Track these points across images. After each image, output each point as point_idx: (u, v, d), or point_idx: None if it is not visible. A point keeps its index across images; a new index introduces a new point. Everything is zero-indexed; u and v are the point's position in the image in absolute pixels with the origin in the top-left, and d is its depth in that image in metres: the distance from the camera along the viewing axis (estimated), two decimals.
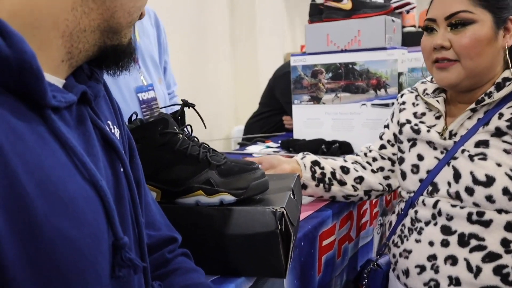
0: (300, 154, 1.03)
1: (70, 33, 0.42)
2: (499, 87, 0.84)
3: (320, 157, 1.06)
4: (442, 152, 0.88)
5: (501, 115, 0.82)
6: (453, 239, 0.83)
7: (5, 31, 0.34)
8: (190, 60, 2.66)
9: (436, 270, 0.84)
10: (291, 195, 0.72)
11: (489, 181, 0.79)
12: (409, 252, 0.90)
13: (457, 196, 0.83)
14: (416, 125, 0.94)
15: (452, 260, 0.82)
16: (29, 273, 0.33)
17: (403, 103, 1.01)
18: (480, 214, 0.80)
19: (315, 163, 1.00)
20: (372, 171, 1.03)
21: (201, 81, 2.79)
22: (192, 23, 2.71)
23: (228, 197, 0.66)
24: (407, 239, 0.91)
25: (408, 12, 1.96)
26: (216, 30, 2.95)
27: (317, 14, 1.54)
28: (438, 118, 0.93)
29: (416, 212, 0.90)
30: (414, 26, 2.09)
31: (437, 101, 0.93)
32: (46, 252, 0.33)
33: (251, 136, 1.99)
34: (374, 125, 1.45)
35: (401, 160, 0.96)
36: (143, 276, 0.48)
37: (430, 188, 0.88)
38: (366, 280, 1.02)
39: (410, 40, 1.86)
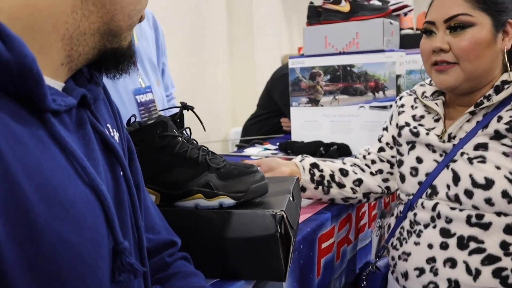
0: (299, 157, 1.03)
1: (70, 36, 0.42)
2: (497, 90, 0.84)
3: (319, 159, 1.06)
4: (441, 155, 0.88)
5: (500, 118, 0.82)
6: (452, 241, 0.83)
7: (5, 35, 0.34)
8: (188, 61, 2.66)
9: (435, 272, 0.84)
10: (291, 198, 0.72)
11: (488, 184, 0.79)
12: (408, 254, 0.89)
13: (456, 199, 0.83)
14: (415, 128, 0.94)
15: (451, 262, 0.82)
16: (29, 278, 0.32)
17: (402, 105, 1.01)
18: (479, 216, 0.80)
19: (314, 165, 1.00)
20: (371, 173, 1.03)
21: (199, 82, 2.79)
22: (190, 25, 2.71)
23: (227, 200, 0.66)
24: (406, 242, 0.91)
25: (405, 14, 1.96)
26: (214, 32, 2.95)
27: (315, 16, 1.55)
28: (437, 121, 0.93)
29: (415, 214, 0.90)
30: (411, 28, 2.10)
31: (436, 104, 0.93)
32: (46, 256, 0.33)
33: (248, 138, 1.99)
34: (372, 127, 1.45)
35: (400, 163, 0.96)
36: (143, 281, 0.48)
37: (429, 191, 0.88)
38: (365, 283, 1.02)
39: (407, 42, 1.87)
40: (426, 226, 0.87)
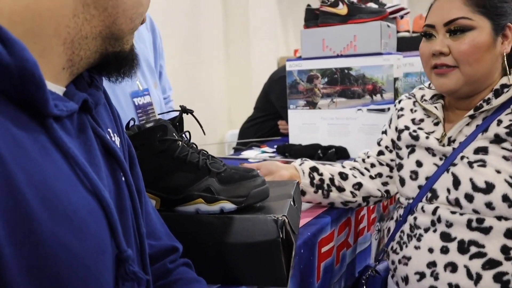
0: (298, 160, 1.03)
1: (72, 40, 0.41)
2: (497, 93, 0.84)
3: (318, 162, 1.05)
4: (441, 159, 0.88)
5: (500, 122, 0.82)
6: (453, 246, 0.83)
7: (6, 39, 0.33)
8: (184, 64, 2.66)
9: (436, 277, 0.84)
10: (292, 203, 0.72)
11: (489, 188, 0.79)
12: (409, 259, 0.89)
13: (457, 203, 0.83)
14: (414, 131, 0.94)
15: (452, 267, 0.82)
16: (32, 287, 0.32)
17: (401, 109, 1.01)
18: (480, 221, 0.80)
19: (313, 169, 1.00)
20: (371, 177, 1.03)
21: (195, 85, 2.78)
22: (186, 27, 2.71)
23: (228, 205, 0.65)
24: (406, 246, 0.91)
25: (402, 17, 1.97)
26: (210, 34, 2.95)
27: (313, 19, 1.55)
28: (436, 124, 0.93)
29: (415, 218, 0.90)
30: (408, 31, 2.11)
31: (435, 107, 0.93)
32: (50, 266, 0.32)
33: (245, 140, 1.99)
34: (370, 130, 1.45)
35: (400, 167, 0.96)
36: None
37: (429, 194, 0.88)
38: (364, 287, 1.02)
39: (404, 45, 1.87)
40: (426, 230, 0.87)
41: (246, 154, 1.63)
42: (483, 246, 0.80)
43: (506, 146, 0.80)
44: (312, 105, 1.54)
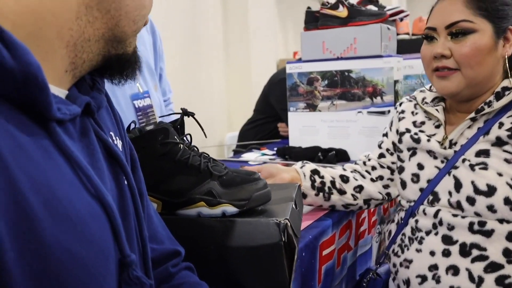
0: (299, 163, 1.02)
1: (75, 43, 0.41)
2: (498, 96, 0.84)
3: (319, 165, 1.05)
4: (442, 161, 0.88)
5: (501, 125, 0.82)
6: (455, 249, 0.82)
7: (10, 42, 0.33)
8: (183, 66, 2.65)
9: (437, 280, 0.83)
10: (294, 206, 0.71)
11: (491, 190, 0.79)
12: (410, 262, 0.89)
13: (458, 206, 0.83)
14: (416, 134, 0.93)
15: (454, 270, 0.82)
16: None
17: (402, 111, 1.00)
18: (482, 224, 0.80)
19: (314, 172, 0.99)
20: (372, 180, 1.03)
21: (194, 87, 2.78)
22: (185, 29, 2.71)
23: (230, 208, 0.65)
24: (408, 249, 0.90)
25: (401, 20, 1.97)
26: (209, 36, 2.95)
27: (313, 21, 1.55)
28: (437, 127, 0.92)
29: (416, 221, 0.89)
30: (407, 33, 2.11)
31: (437, 110, 0.93)
32: (54, 272, 0.32)
33: (245, 143, 1.98)
34: (370, 133, 1.45)
35: (401, 169, 0.96)
36: None
37: (430, 197, 0.88)
38: None
39: (404, 47, 1.88)
40: (428, 233, 0.87)
41: (246, 156, 1.62)
42: (485, 249, 0.80)
43: (508, 149, 0.80)
44: (312, 107, 1.54)
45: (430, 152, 0.90)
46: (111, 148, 0.45)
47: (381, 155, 1.04)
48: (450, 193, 0.84)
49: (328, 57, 1.49)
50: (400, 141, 0.98)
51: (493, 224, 0.79)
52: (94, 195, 0.38)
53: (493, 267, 0.79)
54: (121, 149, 0.50)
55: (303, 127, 1.57)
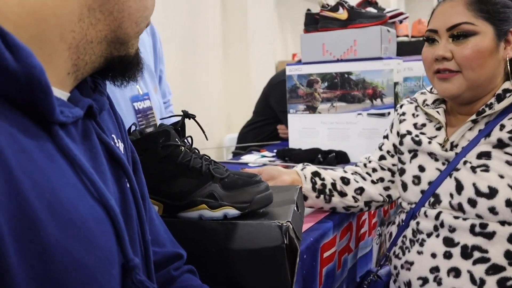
0: (300, 165, 1.02)
1: (77, 45, 0.41)
2: (499, 98, 0.84)
3: (319, 167, 1.05)
4: (443, 164, 0.88)
5: (502, 127, 0.82)
6: (456, 251, 0.82)
7: (13, 45, 0.32)
8: (182, 68, 2.65)
9: (439, 282, 0.83)
10: (295, 208, 0.71)
11: (492, 192, 0.79)
12: (411, 264, 0.89)
13: (460, 208, 0.83)
14: (417, 136, 0.93)
15: (455, 272, 0.82)
16: None
17: (403, 113, 1.00)
18: (483, 226, 0.80)
19: (315, 174, 0.99)
20: (372, 182, 1.02)
21: (193, 89, 2.78)
22: (184, 31, 2.71)
23: (232, 211, 0.65)
24: (409, 251, 0.90)
25: (401, 22, 1.97)
26: (208, 38, 2.95)
27: (313, 23, 1.55)
28: (438, 129, 0.92)
29: (418, 223, 0.89)
30: (407, 36, 2.12)
31: (438, 112, 0.93)
32: (57, 277, 0.32)
33: (245, 145, 1.98)
34: (370, 135, 1.45)
35: (402, 171, 0.96)
36: None
37: (432, 199, 0.88)
38: None
39: (403, 49, 1.88)
40: (429, 235, 0.87)
41: (245, 158, 1.62)
42: (486, 251, 0.80)
43: (509, 151, 0.80)
44: (312, 109, 1.54)
45: (431, 154, 0.90)
46: (114, 151, 0.45)
47: (382, 157, 1.04)
48: (451, 195, 0.84)
49: (328, 59, 1.49)
50: (401, 143, 0.98)
51: (494, 226, 0.79)
52: (98, 199, 0.37)
53: (494, 269, 0.79)
54: (123, 152, 0.50)
55: (303, 129, 1.57)
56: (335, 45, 1.48)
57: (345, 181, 1.01)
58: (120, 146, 0.50)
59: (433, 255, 0.85)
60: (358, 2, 1.76)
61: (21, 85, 0.33)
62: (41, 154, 0.34)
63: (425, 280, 0.85)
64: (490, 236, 0.80)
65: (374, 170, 1.03)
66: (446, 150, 0.88)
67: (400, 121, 1.00)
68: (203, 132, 0.76)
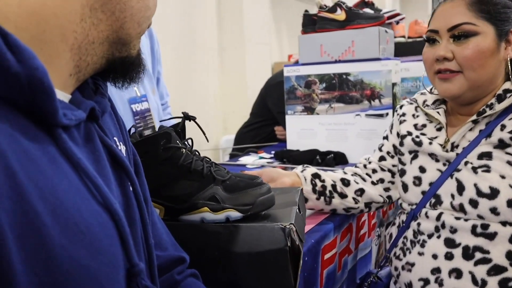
0: (300, 167, 1.02)
1: (79, 46, 0.40)
2: (500, 98, 0.84)
3: (319, 169, 1.04)
4: (444, 164, 0.88)
5: (503, 127, 0.82)
6: (457, 252, 0.82)
7: (15, 46, 0.32)
8: (178, 69, 2.64)
9: (440, 283, 0.83)
10: (297, 210, 0.71)
11: (494, 193, 0.78)
12: (412, 265, 0.88)
13: (461, 209, 0.82)
14: (417, 137, 0.93)
15: (457, 273, 0.81)
16: None
17: (403, 114, 1.00)
18: (485, 226, 0.80)
19: (315, 175, 0.99)
20: (372, 183, 1.02)
21: (189, 90, 2.77)
22: (180, 33, 2.70)
23: (234, 214, 0.64)
24: (410, 252, 0.90)
25: (397, 23, 1.98)
26: (204, 40, 2.94)
27: (310, 24, 1.54)
28: (439, 129, 0.92)
29: (418, 224, 0.89)
30: (403, 36, 2.12)
31: (438, 112, 0.93)
32: (61, 282, 0.31)
33: (242, 146, 1.97)
34: (369, 136, 1.45)
35: (402, 172, 0.96)
36: None
37: (433, 200, 0.87)
38: None
39: (400, 50, 1.88)
40: (430, 236, 0.87)
41: (243, 160, 1.62)
42: (488, 252, 0.80)
43: (510, 151, 0.80)
44: (310, 110, 1.54)
45: (432, 155, 0.90)
46: (116, 154, 0.44)
47: (382, 158, 1.03)
48: (452, 196, 0.84)
49: (326, 60, 1.49)
50: (401, 144, 0.97)
51: (496, 226, 0.79)
52: (102, 203, 0.37)
53: (496, 270, 0.79)
54: (125, 155, 0.49)
55: (301, 130, 1.56)
56: (333, 46, 1.48)
57: (345, 182, 1.00)
58: (122, 149, 0.50)
59: (434, 256, 0.85)
60: (355, 3, 1.76)
61: (23, 87, 0.32)
62: (44, 158, 0.33)
63: (426, 281, 0.85)
64: (491, 236, 0.79)
65: (374, 171, 1.03)
66: (446, 151, 0.88)
67: (400, 122, 1.00)
68: (204, 133, 0.75)
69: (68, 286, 0.31)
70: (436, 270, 0.84)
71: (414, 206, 0.92)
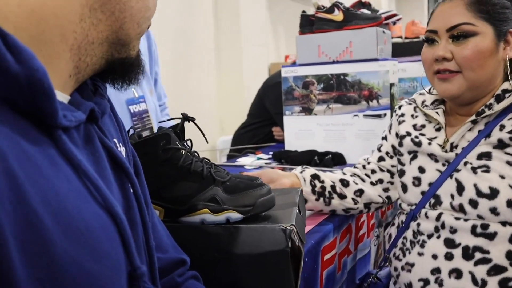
0: (299, 168, 1.01)
1: (78, 46, 0.40)
2: (499, 98, 0.85)
3: (318, 169, 1.04)
4: (443, 165, 0.88)
5: (502, 127, 0.82)
6: (457, 252, 0.82)
7: (14, 46, 0.31)
8: (174, 70, 2.64)
9: (440, 283, 0.83)
10: (298, 211, 0.70)
11: (493, 193, 0.78)
12: (412, 265, 0.88)
13: (461, 209, 0.82)
14: (416, 137, 0.93)
15: (457, 273, 0.81)
16: None
17: (402, 115, 1.00)
18: (485, 226, 0.80)
19: (314, 176, 0.99)
20: (371, 183, 1.02)
21: (186, 91, 2.77)
22: (176, 34, 2.69)
23: (235, 215, 0.64)
24: (409, 252, 0.90)
25: (394, 23, 1.98)
26: (201, 41, 2.94)
27: (308, 25, 1.54)
28: (438, 130, 0.92)
29: (418, 224, 0.89)
30: (400, 37, 2.12)
31: (437, 112, 0.93)
32: (64, 286, 0.30)
33: (239, 147, 1.97)
34: (367, 136, 1.45)
35: (402, 173, 0.95)
36: None
37: (432, 200, 0.87)
38: None
39: (396, 51, 1.89)
40: (429, 236, 0.87)
41: (242, 161, 1.61)
42: (488, 252, 0.80)
43: (510, 151, 0.80)
44: (308, 111, 1.54)
45: (431, 155, 0.90)
46: (116, 156, 0.44)
47: (381, 158, 1.03)
48: (452, 196, 0.84)
49: (324, 60, 1.49)
50: (400, 144, 0.97)
51: (496, 226, 0.79)
52: (103, 206, 0.36)
53: (496, 270, 0.79)
54: (124, 156, 0.49)
55: (299, 131, 1.56)
56: (330, 47, 1.48)
57: (345, 183, 1.00)
58: (122, 150, 0.49)
59: (434, 257, 0.85)
60: (352, 4, 1.76)
61: (23, 88, 0.31)
62: (44, 160, 0.32)
63: (426, 282, 0.85)
64: (491, 236, 0.79)
65: (373, 171, 1.03)
66: (446, 151, 0.88)
67: (399, 122, 1.00)
68: (203, 134, 0.75)
69: None
70: (436, 271, 0.84)
71: (413, 207, 0.92)
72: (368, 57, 1.42)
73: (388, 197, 1.03)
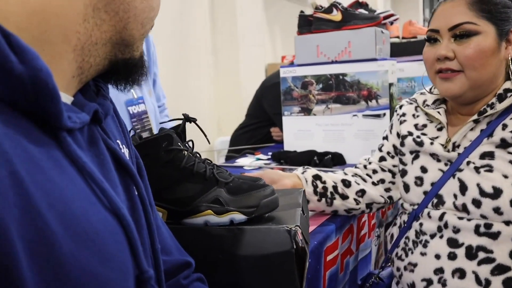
0: (300, 169, 1.01)
1: (82, 47, 0.39)
2: (500, 98, 0.84)
3: (319, 170, 1.04)
4: (446, 164, 0.87)
5: (505, 126, 0.82)
6: (461, 251, 0.82)
7: (18, 46, 0.30)
8: (172, 71, 2.63)
9: (443, 283, 0.83)
10: (301, 212, 0.70)
11: (497, 193, 0.78)
12: (415, 265, 0.88)
13: (464, 209, 0.82)
14: (418, 137, 0.93)
15: (460, 273, 0.81)
16: None
17: (403, 114, 1.00)
18: (488, 226, 0.80)
19: (316, 177, 0.98)
20: (373, 183, 1.02)
21: (183, 92, 2.76)
22: (173, 35, 2.68)
23: (238, 216, 0.63)
24: (412, 252, 0.90)
25: (391, 23, 1.98)
26: (198, 42, 2.93)
27: (306, 25, 1.54)
28: (440, 129, 0.92)
29: (421, 224, 0.89)
30: (397, 37, 2.12)
31: (438, 112, 0.93)
32: None
33: (238, 148, 1.96)
34: (366, 136, 1.45)
35: (404, 173, 0.95)
36: None
37: (435, 200, 0.87)
38: None
39: (394, 51, 1.89)
40: (432, 236, 0.86)
41: (241, 161, 1.61)
42: (491, 252, 0.79)
43: None
44: (307, 111, 1.53)
45: (433, 155, 0.90)
46: (121, 158, 0.43)
47: (382, 158, 1.03)
48: (455, 196, 0.84)
49: (323, 60, 1.49)
50: (402, 144, 0.97)
51: (499, 226, 0.79)
52: (109, 208, 0.35)
53: (500, 269, 0.78)
54: (128, 158, 0.48)
55: (298, 131, 1.56)
56: (329, 47, 1.47)
57: (346, 183, 1.00)
58: (125, 151, 0.49)
59: (437, 256, 0.84)
60: (349, 4, 1.76)
61: (27, 89, 0.31)
62: (49, 162, 0.32)
63: (429, 282, 0.85)
64: (495, 236, 0.79)
65: (375, 171, 1.03)
66: (448, 151, 0.87)
67: (400, 122, 0.99)
68: (205, 135, 0.74)
69: None
70: (439, 270, 0.84)
71: (416, 206, 0.91)
72: (367, 57, 1.42)
73: (390, 197, 1.02)
